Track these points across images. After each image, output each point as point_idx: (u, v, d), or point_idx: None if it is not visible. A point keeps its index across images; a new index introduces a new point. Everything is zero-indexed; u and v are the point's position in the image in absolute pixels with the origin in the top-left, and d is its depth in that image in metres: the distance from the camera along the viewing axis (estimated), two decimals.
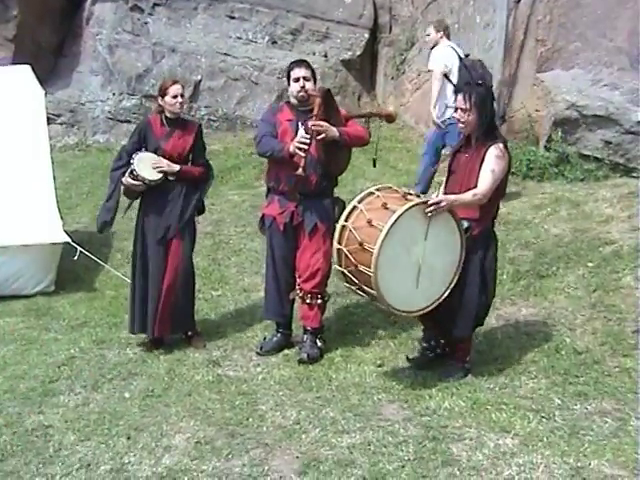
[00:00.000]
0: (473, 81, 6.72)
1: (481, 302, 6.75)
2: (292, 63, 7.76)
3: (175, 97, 7.82)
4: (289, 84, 7.61)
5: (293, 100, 7.59)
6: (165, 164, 7.72)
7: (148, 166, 7.68)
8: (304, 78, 7.46)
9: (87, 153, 16.89)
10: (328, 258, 7.49)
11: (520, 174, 11.56)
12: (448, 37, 11.45)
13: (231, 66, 17.86)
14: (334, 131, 7.18)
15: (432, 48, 11.42)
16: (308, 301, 7.55)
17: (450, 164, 6.97)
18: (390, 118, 7.70)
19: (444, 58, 10.89)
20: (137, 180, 7.67)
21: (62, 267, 10.28)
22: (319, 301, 7.60)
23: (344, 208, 7.31)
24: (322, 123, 7.13)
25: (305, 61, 7.78)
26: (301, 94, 7.42)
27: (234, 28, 18.12)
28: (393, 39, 18.60)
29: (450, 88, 9.46)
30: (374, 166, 7.75)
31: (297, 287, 7.65)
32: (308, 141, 7.13)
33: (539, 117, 11.88)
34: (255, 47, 18.02)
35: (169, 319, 7.88)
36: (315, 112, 7.20)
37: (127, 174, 7.68)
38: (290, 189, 7.44)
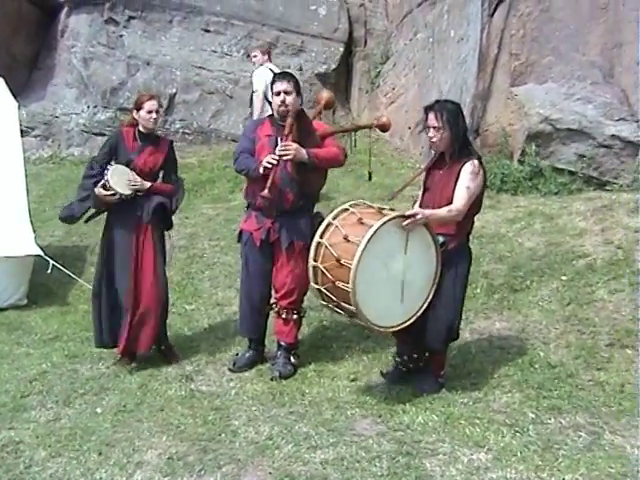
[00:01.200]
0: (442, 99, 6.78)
1: (455, 315, 6.75)
2: (275, 75, 7.73)
3: (150, 112, 7.77)
4: (272, 97, 7.54)
5: (275, 114, 7.51)
6: (139, 182, 7.68)
7: (121, 179, 7.63)
8: (285, 92, 7.33)
9: (61, 166, 16.82)
10: (304, 275, 7.47)
11: (494, 188, 11.57)
12: (270, 59, 12.75)
13: (206, 79, 17.88)
14: (303, 153, 7.11)
15: (256, 69, 12.52)
16: (284, 316, 7.51)
17: (425, 181, 6.97)
18: (384, 128, 7.63)
19: (267, 78, 11.31)
20: (107, 194, 7.62)
21: (35, 281, 10.23)
22: (295, 316, 7.56)
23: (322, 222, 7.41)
24: (290, 145, 7.06)
25: (289, 74, 7.66)
26: (282, 108, 7.30)
27: (209, 41, 18.14)
28: (368, 53, 18.68)
29: (268, 105, 10.63)
30: (369, 179, 7.74)
31: (273, 301, 7.62)
32: (275, 162, 7.06)
33: (513, 131, 11.90)
34: (230, 60, 18.04)
35: (146, 336, 7.82)
36: (286, 132, 7.15)
37: (99, 185, 7.63)
38: (266, 207, 7.39)
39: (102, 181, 7.60)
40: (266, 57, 12.61)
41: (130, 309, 7.74)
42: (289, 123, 7.14)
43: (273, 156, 7.07)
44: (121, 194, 7.60)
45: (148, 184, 7.73)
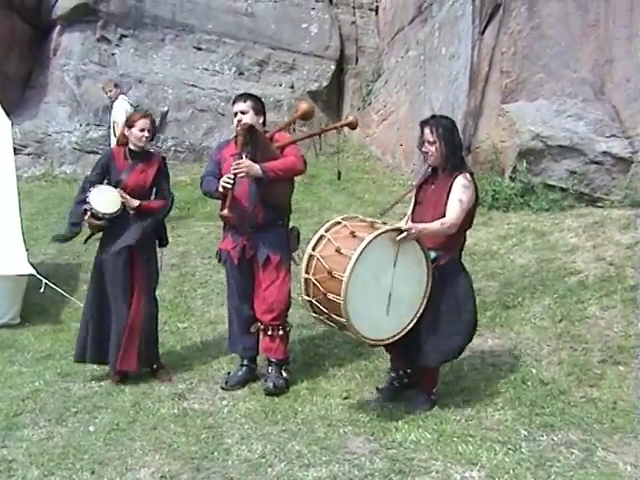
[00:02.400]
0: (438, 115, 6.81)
1: (452, 334, 6.72)
2: (235, 97, 7.80)
3: (142, 130, 7.79)
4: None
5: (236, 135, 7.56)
6: (127, 198, 7.69)
7: (103, 199, 7.62)
8: (241, 112, 7.47)
9: (54, 184, 16.85)
10: (285, 289, 7.49)
11: (486, 205, 11.61)
12: (123, 92, 14.21)
13: (198, 97, 17.95)
14: (256, 169, 7.14)
15: (113, 102, 13.88)
16: (270, 333, 7.48)
17: (416, 195, 6.99)
18: (352, 125, 7.65)
19: (126, 109, 13.17)
20: (96, 218, 7.63)
21: (27, 299, 10.21)
22: (280, 332, 7.52)
23: (299, 237, 7.53)
24: (243, 162, 7.11)
25: (247, 95, 7.80)
26: (238, 128, 7.39)
27: (201, 59, 18.24)
28: (359, 70, 18.79)
29: None
30: (339, 178, 7.74)
31: (257, 320, 7.61)
32: (231, 181, 7.10)
33: (504, 148, 11.94)
34: (222, 78, 18.13)
35: (135, 354, 7.82)
36: (239, 150, 7.23)
37: (87, 216, 7.64)
38: (239, 224, 7.42)
39: (86, 207, 7.61)
40: (119, 90, 14.08)
41: (122, 328, 7.75)
42: (240, 140, 7.23)
43: (229, 175, 7.14)
44: (104, 214, 7.61)
45: (137, 202, 7.73)
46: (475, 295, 6.97)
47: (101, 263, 7.87)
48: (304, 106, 7.72)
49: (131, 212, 7.73)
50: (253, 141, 7.24)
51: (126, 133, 7.84)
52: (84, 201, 7.72)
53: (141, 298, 7.84)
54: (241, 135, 7.22)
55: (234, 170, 7.11)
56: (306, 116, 7.68)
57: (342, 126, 7.70)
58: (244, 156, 7.19)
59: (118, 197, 7.67)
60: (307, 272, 6.42)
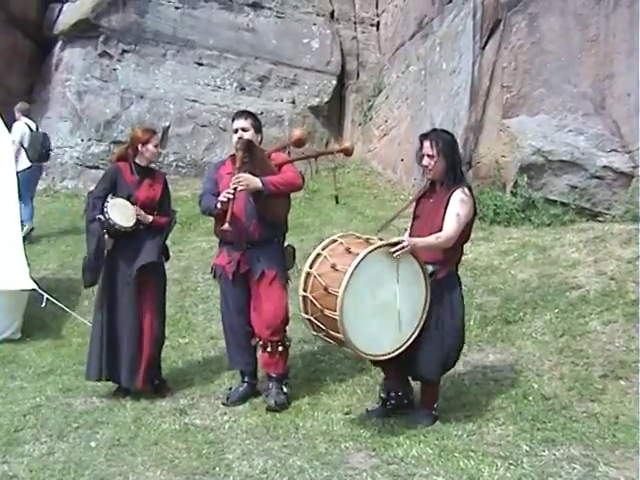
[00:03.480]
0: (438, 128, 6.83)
1: (450, 345, 6.73)
2: (235, 114, 7.84)
3: (156, 146, 7.97)
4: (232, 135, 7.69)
5: (235, 151, 7.57)
6: (143, 214, 7.73)
7: (121, 212, 7.66)
8: (242, 129, 7.51)
9: (55, 199, 16.88)
10: (282, 304, 7.50)
11: (487, 219, 11.62)
12: (26, 115, 14.94)
13: (199, 112, 17.98)
14: (256, 182, 7.18)
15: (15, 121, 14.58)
16: (269, 349, 7.46)
17: (414, 209, 7.01)
18: (347, 152, 7.68)
19: (23, 131, 14.40)
20: (110, 230, 7.65)
21: (29, 314, 10.21)
22: (280, 348, 7.51)
23: (294, 254, 7.59)
24: (242, 176, 7.15)
25: (247, 112, 7.86)
26: (238, 145, 7.41)
27: (202, 75, 18.27)
28: (360, 85, 18.81)
29: (23, 151, 14.15)
30: (337, 203, 7.77)
31: (255, 335, 7.59)
32: (231, 195, 7.13)
33: (505, 163, 11.95)
34: (223, 93, 18.16)
35: (148, 371, 7.86)
36: (238, 165, 7.25)
37: (103, 228, 7.67)
38: (235, 240, 7.43)
39: (102, 217, 7.62)
40: (21, 113, 14.85)
41: (135, 346, 7.79)
42: (239, 155, 7.25)
43: (228, 190, 7.16)
44: (121, 227, 7.63)
45: (150, 218, 7.80)
46: (464, 303, 6.97)
47: (113, 281, 7.89)
48: (298, 133, 7.74)
49: (142, 227, 7.77)
50: (252, 156, 7.28)
51: (140, 149, 7.87)
52: (96, 219, 7.73)
53: (153, 317, 7.90)
54: (240, 150, 7.25)
55: (234, 184, 7.13)
56: (299, 143, 7.67)
57: (338, 152, 7.72)
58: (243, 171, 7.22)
59: (134, 212, 7.70)
60: (305, 290, 6.45)
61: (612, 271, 9.17)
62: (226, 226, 7.08)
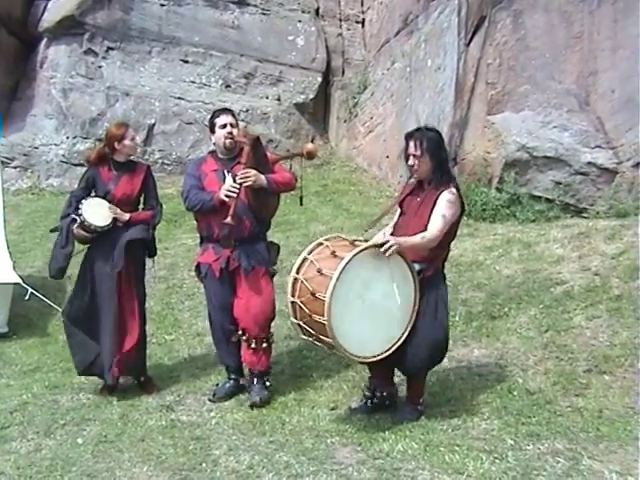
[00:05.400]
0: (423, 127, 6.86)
1: (437, 340, 6.74)
2: (216, 111, 7.85)
3: (133, 139, 7.97)
4: (213, 133, 7.67)
5: (218, 149, 7.62)
6: (119, 212, 7.73)
7: (96, 212, 7.66)
8: (231, 124, 7.54)
9: (41, 197, 16.81)
10: (269, 300, 7.53)
11: (472, 216, 11.65)
12: None
13: (185, 110, 17.94)
14: (262, 179, 7.24)
15: None
16: (253, 346, 7.47)
17: (401, 206, 7.02)
18: (310, 155, 7.68)
19: None
20: (86, 230, 7.66)
21: (15, 312, 10.22)
22: (264, 345, 7.53)
23: (279, 251, 7.65)
24: (250, 171, 7.18)
25: (227, 109, 7.90)
26: (229, 140, 7.46)
27: (188, 72, 18.24)
28: (346, 82, 18.81)
29: None
30: (301, 204, 7.81)
31: (239, 331, 7.58)
32: (237, 189, 7.17)
33: (490, 159, 11.98)
34: (209, 91, 18.14)
35: (127, 365, 7.89)
36: (244, 160, 7.25)
37: (76, 225, 7.66)
38: (224, 237, 7.44)
39: (77, 218, 7.63)
40: None
41: (115, 338, 7.79)
42: (246, 151, 7.27)
43: (234, 184, 7.20)
44: (97, 226, 7.64)
45: (127, 216, 7.79)
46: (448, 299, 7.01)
47: (91, 276, 7.88)
48: (310, 147, 7.76)
49: (119, 224, 7.77)
50: (256, 153, 7.33)
51: (117, 147, 7.84)
52: (68, 215, 7.75)
53: (134, 310, 7.89)
54: (248, 146, 7.27)
55: (241, 179, 7.16)
56: (310, 156, 7.69)
57: (298, 155, 7.71)
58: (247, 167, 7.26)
59: (109, 211, 7.70)
60: (293, 295, 6.45)
61: (596, 267, 9.22)
62: (229, 219, 7.09)
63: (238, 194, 7.17)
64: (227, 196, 7.19)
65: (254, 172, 7.19)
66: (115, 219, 7.74)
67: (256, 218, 7.46)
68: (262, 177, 7.24)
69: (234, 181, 7.24)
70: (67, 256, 7.79)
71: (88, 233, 7.70)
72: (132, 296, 7.90)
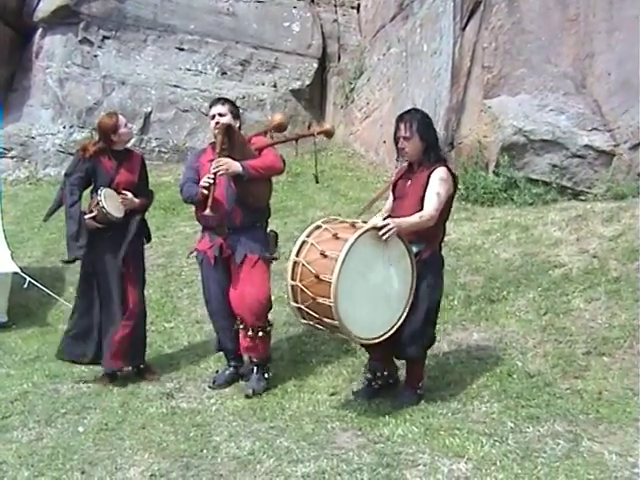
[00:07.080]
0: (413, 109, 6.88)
1: (430, 322, 6.80)
2: (212, 101, 7.89)
3: (126, 126, 8.02)
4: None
5: (214, 138, 7.62)
6: (130, 198, 7.78)
7: (113, 203, 7.69)
8: (219, 114, 7.54)
9: (38, 186, 16.81)
10: (264, 289, 7.50)
11: (470, 199, 11.65)
12: None
13: (181, 97, 17.94)
14: (236, 166, 7.19)
15: None
16: (250, 334, 7.46)
17: (393, 191, 7.03)
18: (328, 134, 7.68)
19: None
20: (101, 221, 7.67)
21: (14, 302, 10.23)
22: (260, 333, 7.50)
23: (277, 240, 7.59)
24: (221, 160, 7.17)
25: (223, 99, 7.90)
26: (216, 131, 7.44)
27: (184, 60, 18.24)
28: (342, 68, 18.80)
29: None
30: (317, 182, 7.80)
31: (237, 319, 7.58)
32: (211, 180, 7.16)
33: (487, 143, 11.96)
34: (205, 78, 18.13)
35: (126, 353, 7.91)
36: (217, 150, 7.27)
37: (88, 216, 7.67)
38: (218, 225, 7.45)
39: (94, 210, 7.64)
40: None
41: (116, 327, 7.82)
42: (219, 140, 7.27)
43: (209, 175, 7.20)
44: (117, 218, 7.68)
45: (137, 200, 7.90)
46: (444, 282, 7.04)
47: (93, 264, 7.89)
48: (278, 118, 7.78)
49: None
50: (231, 141, 7.29)
51: (114, 139, 7.85)
52: (75, 203, 7.74)
53: (134, 297, 7.93)
54: (219, 134, 7.27)
55: (214, 169, 7.16)
56: (280, 128, 7.70)
57: (319, 133, 7.70)
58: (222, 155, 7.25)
59: (120, 201, 7.75)
60: (293, 279, 6.40)
61: (594, 249, 9.22)
62: (207, 211, 7.11)
63: (214, 184, 7.18)
64: (203, 187, 7.21)
65: (226, 160, 7.17)
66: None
67: (245, 205, 7.43)
68: (236, 164, 7.19)
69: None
70: (81, 247, 7.78)
71: (101, 224, 7.71)
72: (134, 283, 7.92)
